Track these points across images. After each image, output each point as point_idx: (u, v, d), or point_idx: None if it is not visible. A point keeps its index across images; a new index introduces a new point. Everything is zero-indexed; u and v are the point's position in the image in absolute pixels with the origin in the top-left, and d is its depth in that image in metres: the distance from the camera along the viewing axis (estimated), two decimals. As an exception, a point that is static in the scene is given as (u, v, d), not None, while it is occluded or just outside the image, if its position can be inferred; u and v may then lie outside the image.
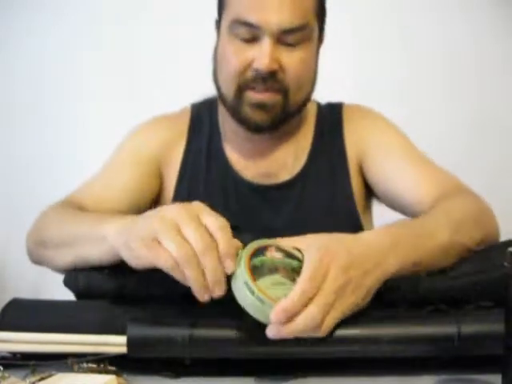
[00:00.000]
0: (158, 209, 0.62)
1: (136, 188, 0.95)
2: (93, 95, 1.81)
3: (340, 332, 0.59)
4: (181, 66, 1.75)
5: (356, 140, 0.98)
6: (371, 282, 0.60)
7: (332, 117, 1.01)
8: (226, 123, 0.97)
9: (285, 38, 0.85)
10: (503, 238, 0.80)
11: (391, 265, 0.62)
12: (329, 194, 0.96)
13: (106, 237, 0.66)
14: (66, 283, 0.72)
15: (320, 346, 0.58)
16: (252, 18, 0.84)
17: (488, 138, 1.80)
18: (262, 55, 0.84)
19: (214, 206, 0.93)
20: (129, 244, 0.60)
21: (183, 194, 0.97)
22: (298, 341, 0.56)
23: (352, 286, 0.58)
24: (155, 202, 0.99)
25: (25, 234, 0.85)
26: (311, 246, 0.59)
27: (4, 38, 1.81)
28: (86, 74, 1.81)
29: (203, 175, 0.97)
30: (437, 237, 0.69)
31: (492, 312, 0.61)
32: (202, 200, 0.94)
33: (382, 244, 0.63)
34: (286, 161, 0.97)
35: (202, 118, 1.01)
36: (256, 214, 0.95)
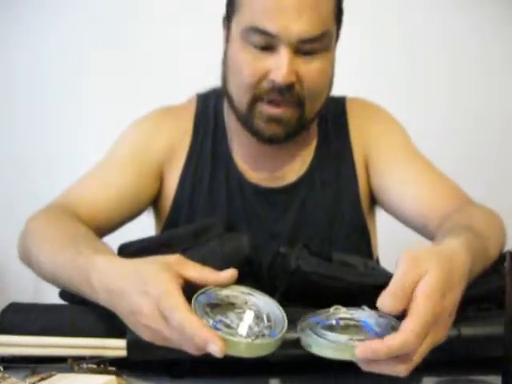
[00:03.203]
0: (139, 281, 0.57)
1: (134, 189, 0.92)
2: (93, 95, 1.80)
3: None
4: (181, 66, 1.75)
5: (362, 138, 0.96)
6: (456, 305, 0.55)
7: (336, 112, 0.99)
8: (232, 123, 0.95)
9: (303, 47, 0.81)
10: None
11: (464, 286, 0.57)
12: (334, 195, 0.95)
13: (97, 293, 0.62)
14: (62, 295, 0.72)
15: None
16: (269, 27, 0.79)
17: (490, 137, 1.81)
18: (279, 66, 0.80)
19: (218, 209, 0.94)
20: (122, 318, 0.59)
21: (185, 196, 0.95)
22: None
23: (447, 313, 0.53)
24: (154, 201, 0.98)
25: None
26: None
27: (4, 37, 1.81)
28: (86, 74, 1.80)
29: (208, 176, 0.95)
30: (490, 257, 0.68)
31: (492, 314, 0.61)
32: (206, 202, 0.94)
33: (466, 263, 0.58)
34: (293, 164, 0.95)
35: (208, 113, 0.98)
36: (261, 216, 0.93)
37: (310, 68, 0.83)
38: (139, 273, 0.57)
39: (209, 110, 0.98)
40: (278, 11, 0.79)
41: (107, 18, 1.79)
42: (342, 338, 0.52)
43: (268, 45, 0.81)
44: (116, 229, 0.92)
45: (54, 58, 1.81)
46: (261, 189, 0.95)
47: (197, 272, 0.58)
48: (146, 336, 0.56)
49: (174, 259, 0.59)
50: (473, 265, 0.59)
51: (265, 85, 0.83)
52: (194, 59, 1.66)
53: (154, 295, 0.54)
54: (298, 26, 0.79)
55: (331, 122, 0.98)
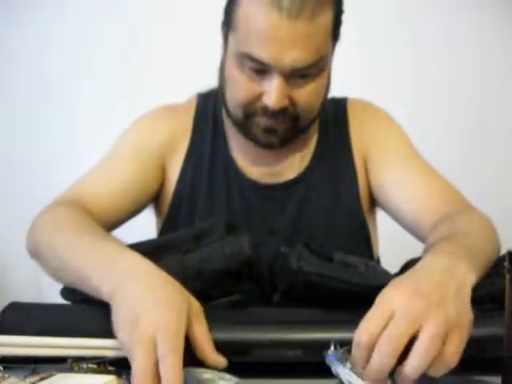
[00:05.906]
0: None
1: (138, 184, 0.93)
2: (93, 95, 1.81)
3: (343, 335, 0.59)
4: (181, 67, 1.75)
5: (361, 138, 0.97)
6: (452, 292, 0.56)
7: (337, 113, 0.99)
8: (230, 124, 0.95)
9: (297, 73, 0.81)
10: (503, 237, 0.79)
11: (468, 273, 0.59)
12: (333, 192, 0.95)
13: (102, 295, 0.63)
14: (63, 295, 0.72)
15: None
16: (262, 55, 0.79)
17: (490, 137, 1.81)
18: (271, 93, 0.81)
19: (217, 205, 0.94)
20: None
21: (184, 192, 0.95)
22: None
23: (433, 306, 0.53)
24: (155, 197, 0.98)
25: (25, 233, 0.84)
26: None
27: (4, 38, 1.81)
28: (86, 74, 1.81)
29: (206, 173, 0.95)
30: (485, 256, 0.68)
31: (492, 314, 0.61)
32: (205, 197, 0.94)
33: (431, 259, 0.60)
34: (293, 162, 0.96)
35: (207, 112, 0.99)
36: (259, 213, 0.94)
37: (304, 90, 0.83)
38: (166, 296, 0.58)
39: (208, 109, 1.00)
40: (272, 40, 0.78)
41: (108, 17, 1.80)
42: None
43: (262, 69, 0.81)
44: (120, 225, 0.93)
45: (55, 57, 1.81)
46: (259, 185, 0.95)
47: (203, 336, 0.58)
48: (120, 337, 0.56)
49: (198, 307, 0.60)
50: (450, 258, 0.60)
51: (258, 104, 0.84)
52: (194, 59, 1.66)
53: (161, 324, 0.54)
54: (292, 55, 0.78)
55: (332, 121, 0.99)
